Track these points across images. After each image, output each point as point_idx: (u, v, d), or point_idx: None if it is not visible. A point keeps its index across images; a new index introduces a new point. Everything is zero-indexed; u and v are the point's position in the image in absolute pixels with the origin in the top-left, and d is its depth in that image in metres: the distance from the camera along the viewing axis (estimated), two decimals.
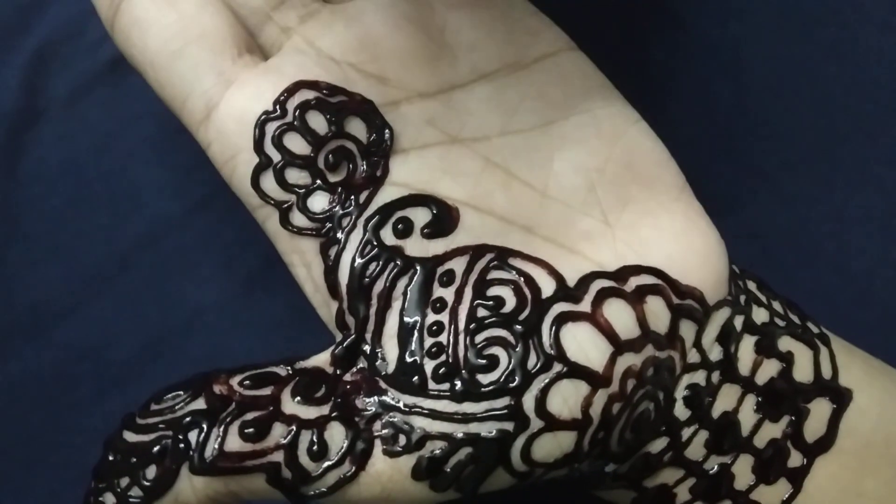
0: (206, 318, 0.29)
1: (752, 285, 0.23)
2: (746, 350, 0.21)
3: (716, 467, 0.21)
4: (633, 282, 0.20)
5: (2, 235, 0.30)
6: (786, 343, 0.22)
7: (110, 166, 0.30)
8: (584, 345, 0.19)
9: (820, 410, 0.21)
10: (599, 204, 0.21)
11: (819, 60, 0.32)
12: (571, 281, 0.20)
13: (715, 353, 0.21)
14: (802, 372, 0.21)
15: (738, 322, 0.21)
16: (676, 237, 0.21)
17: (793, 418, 0.21)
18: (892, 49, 0.31)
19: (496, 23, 0.22)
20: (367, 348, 0.20)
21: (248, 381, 0.19)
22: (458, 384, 0.19)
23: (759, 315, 0.22)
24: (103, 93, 0.31)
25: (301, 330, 0.29)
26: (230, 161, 0.21)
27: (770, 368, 0.21)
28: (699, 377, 0.21)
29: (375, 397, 0.19)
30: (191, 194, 0.30)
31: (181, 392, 0.19)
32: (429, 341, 0.19)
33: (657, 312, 0.20)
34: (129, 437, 0.19)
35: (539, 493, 0.26)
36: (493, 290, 0.20)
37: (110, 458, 0.19)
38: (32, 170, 0.30)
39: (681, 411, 0.21)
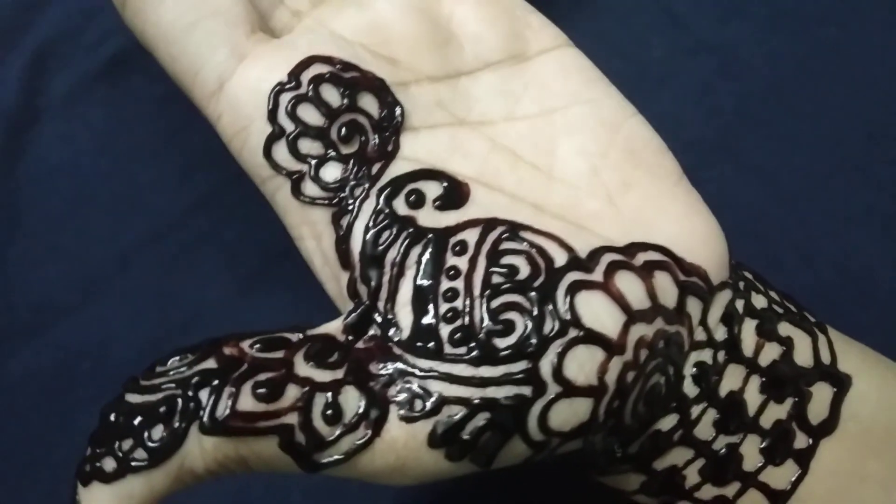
0: (206, 317, 0.29)
1: (748, 275, 0.23)
2: (748, 333, 0.21)
3: (724, 448, 0.21)
4: (641, 257, 0.20)
5: (2, 235, 0.30)
6: (785, 329, 0.22)
7: (110, 166, 0.31)
8: (598, 312, 0.19)
9: (821, 394, 0.21)
10: (604, 186, 0.22)
11: (819, 60, 0.32)
12: (582, 254, 0.20)
13: (720, 333, 0.21)
14: (802, 357, 0.22)
15: (740, 305, 0.22)
16: (679, 219, 0.21)
17: (796, 400, 0.21)
18: (893, 49, 0.32)
19: (499, 18, 0.23)
20: (379, 316, 0.20)
21: (259, 345, 0.19)
22: (475, 348, 0.19)
23: (758, 301, 0.22)
24: (103, 93, 0.31)
25: None
26: (241, 132, 0.21)
27: (772, 351, 0.21)
28: (706, 355, 0.21)
29: (390, 363, 0.19)
30: (191, 194, 0.30)
31: (189, 354, 0.19)
32: (444, 306, 0.19)
33: (665, 287, 0.20)
34: (133, 398, 0.18)
35: (548, 484, 0.26)
36: (507, 259, 0.20)
37: (111, 418, 0.18)
38: (32, 170, 0.30)
39: (689, 388, 0.21)
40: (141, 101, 0.31)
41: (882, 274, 0.29)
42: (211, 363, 0.18)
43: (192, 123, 0.31)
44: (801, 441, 0.21)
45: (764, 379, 0.21)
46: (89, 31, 0.32)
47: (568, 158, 0.22)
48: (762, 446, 0.21)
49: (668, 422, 0.21)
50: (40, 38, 0.31)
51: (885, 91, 0.31)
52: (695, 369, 0.21)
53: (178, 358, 0.19)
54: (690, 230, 0.21)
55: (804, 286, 0.23)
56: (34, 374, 0.28)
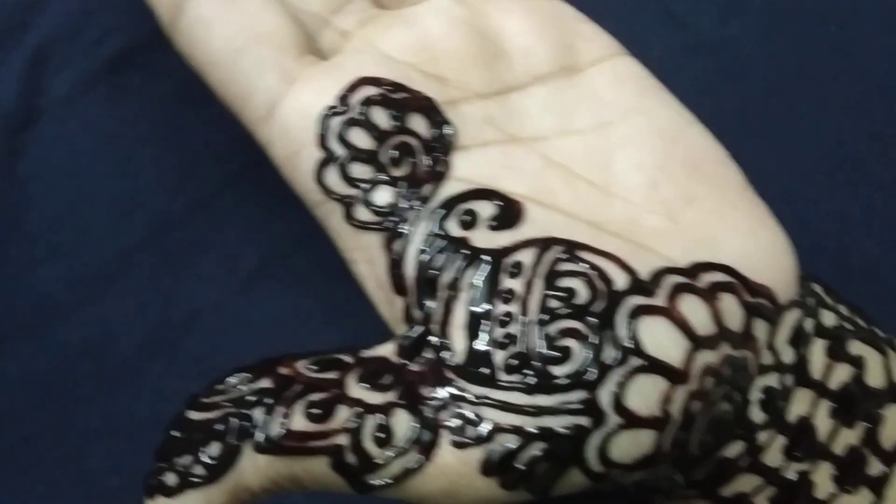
0: (206, 317, 0.29)
1: (818, 288, 0.22)
2: (818, 353, 0.21)
3: (794, 475, 0.20)
4: (706, 278, 0.20)
5: (2, 235, 0.30)
6: (856, 347, 0.21)
7: (110, 166, 0.30)
8: (661, 339, 0.19)
9: (894, 416, 0.21)
10: (664, 202, 0.21)
11: (819, 60, 0.31)
12: (643, 276, 0.19)
13: (788, 356, 0.20)
14: (873, 377, 0.21)
15: (809, 325, 0.21)
16: (745, 235, 0.21)
17: (868, 424, 0.20)
18: (893, 49, 0.31)
19: (549, 29, 0.23)
20: (433, 340, 0.19)
21: (313, 365, 0.19)
22: (531, 376, 0.18)
23: (828, 318, 0.21)
24: (103, 92, 0.31)
25: (301, 330, 0.29)
26: (293, 157, 0.21)
27: (842, 373, 0.21)
28: (773, 379, 0.20)
29: (443, 387, 0.19)
30: (191, 193, 0.30)
31: (246, 374, 0.19)
32: (499, 332, 0.19)
33: (731, 310, 0.19)
34: (193, 415, 0.19)
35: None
36: (564, 282, 0.19)
37: (172, 434, 0.19)
38: (32, 170, 0.30)
39: (756, 414, 0.20)
40: (141, 101, 0.31)
41: (882, 274, 0.29)
42: (266, 382, 0.19)
43: (192, 123, 0.31)
44: (874, 467, 0.20)
45: (833, 403, 0.20)
46: (89, 31, 0.32)
47: (625, 173, 0.21)
48: (834, 473, 0.20)
49: (734, 449, 0.20)
50: (40, 38, 0.31)
51: (885, 91, 0.31)
52: (762, 394, 0.20)
53: (236, 377, 0.19)
54: (757, 245, 0.21)
55: None
56: (34, 374, 0.28)
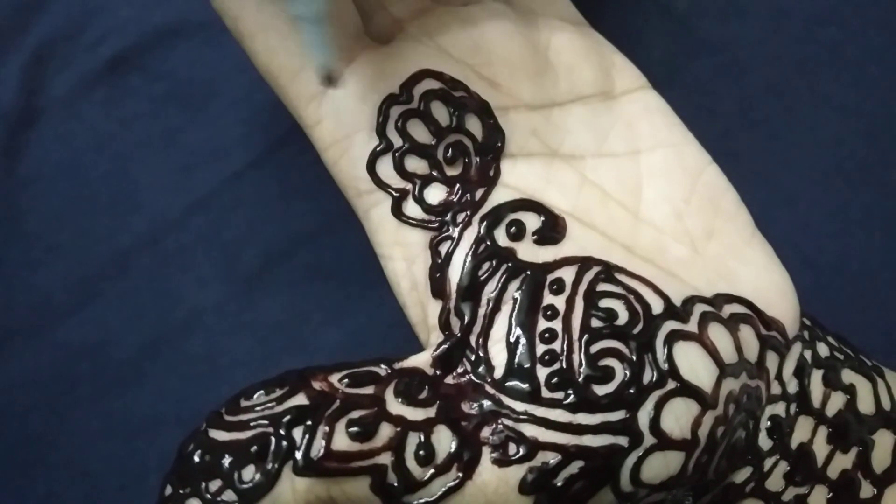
0: (206, 317, 0.29)
1: (807, 322, 0.23)
2: (816, 383, 0.21)
3: (793, 499, 0.21)
4: (727, 309, 0.20)
5: (2, 235, 0.30)
6: (847, 376, 0.22)
7: (110, 166, 0.30)
8: (694, 364, 0.19)
9: (883, 441, 0.21)
10: (688, 233, 0.21)
11: (819, 60, 0.31)
12: (674, 302, 0.20)
13: (792, 386, 0.21)
14: (864, 404, 0.22)
15: (808, 356, 0.21)
16: (759, 272, 0.21)
17: (860, 449, 0.21)
18: (892, 49, 0.31)
19: (591, 52, 0.23)
20: (470, 352, 0.19)
21: (347, 379, 0.18)
22: (573, 394, 0.18)
23: (822, 349, 0.22)
24: (103, 93, 0.31)
25: (301, 330, 0.29)
26: (343, 140, 0.21)
27: (837, 400, 0.21)
28: (780, 409, 0.21)
29: (483, 402, 0.18)
30: (190, 194, 0.30)
31: (276, 388, 0.18)
32: (541, 348, 0.19)
33: (749, 341, 0.20)
34: (219, 435, 0.18)
35: None
36: (605, 303, 0.19)
37: (196, 459, 0.17)
38: (32, 170, 0.30)
39: (763, 442, 0.21)
40: (140, 101, 0.31)
41: (882, 274, 0.29)
42: (301, 399, 0.18)
43: (192, 124, 0.31)
44: (866, 490, 0.21)
45: (830, 429, 0.21)
46: (89, 31, 0.32)
47: (653, 201, 0.22)
48: (829, 497, 0.21)
49: (741, 474, 0.21)
50: (40, 38, 0.31)
51: (885, 91, 0.31)
52: (769, 423, 0.21)
53: (263, 391, 0.18)
54: (770, 283, 0.21)
55: (804, 287, 0.23)
56: (34, 374, 0.28)
